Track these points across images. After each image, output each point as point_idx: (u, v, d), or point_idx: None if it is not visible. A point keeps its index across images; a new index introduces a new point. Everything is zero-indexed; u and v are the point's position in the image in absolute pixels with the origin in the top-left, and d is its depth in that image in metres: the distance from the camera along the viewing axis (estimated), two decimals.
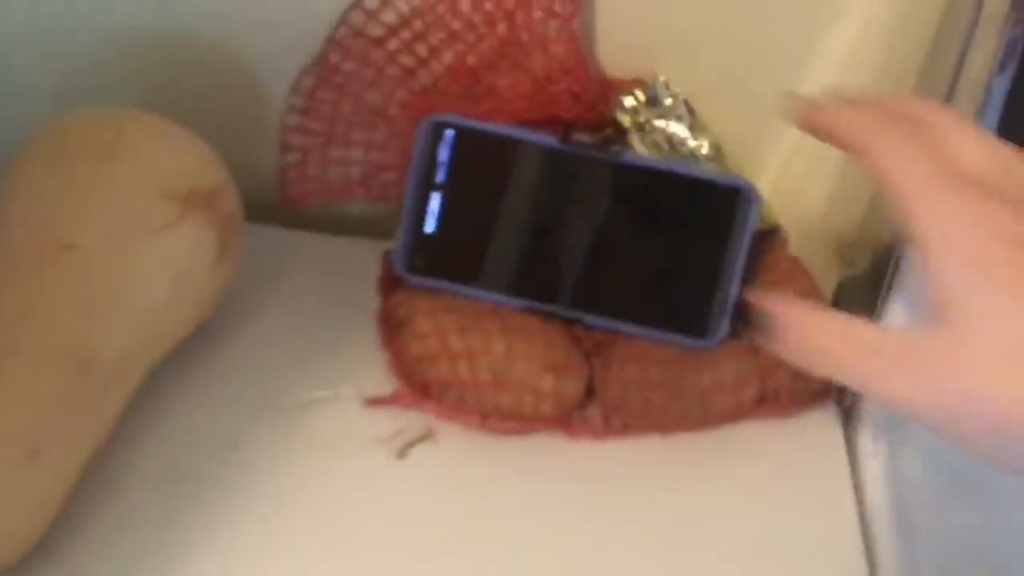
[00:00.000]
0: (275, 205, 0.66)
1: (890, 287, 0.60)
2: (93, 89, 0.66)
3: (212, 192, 0.56)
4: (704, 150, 0.63)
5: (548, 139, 0.57)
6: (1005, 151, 0.35)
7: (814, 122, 0.40)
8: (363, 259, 0.66)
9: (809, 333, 0.36)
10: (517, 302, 0.59)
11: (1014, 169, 0.34)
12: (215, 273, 0.57)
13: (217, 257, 0.56)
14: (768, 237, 0.64)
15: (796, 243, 0.66)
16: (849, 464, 0.60)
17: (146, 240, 0.53)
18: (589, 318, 0.59)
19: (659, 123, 0.63)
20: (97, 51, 0.66)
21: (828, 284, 0.68)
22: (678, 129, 0.63)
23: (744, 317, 0.48)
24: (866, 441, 0.61)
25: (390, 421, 0.59)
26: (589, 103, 0.59)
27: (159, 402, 0.57)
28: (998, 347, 0.30)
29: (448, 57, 0.61)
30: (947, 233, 0.32)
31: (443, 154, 0.58)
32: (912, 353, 0.33)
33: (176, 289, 0.54)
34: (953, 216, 0.32)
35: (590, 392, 0.59)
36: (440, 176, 0.58)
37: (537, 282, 0.59)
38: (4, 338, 0.48)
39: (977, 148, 0.34)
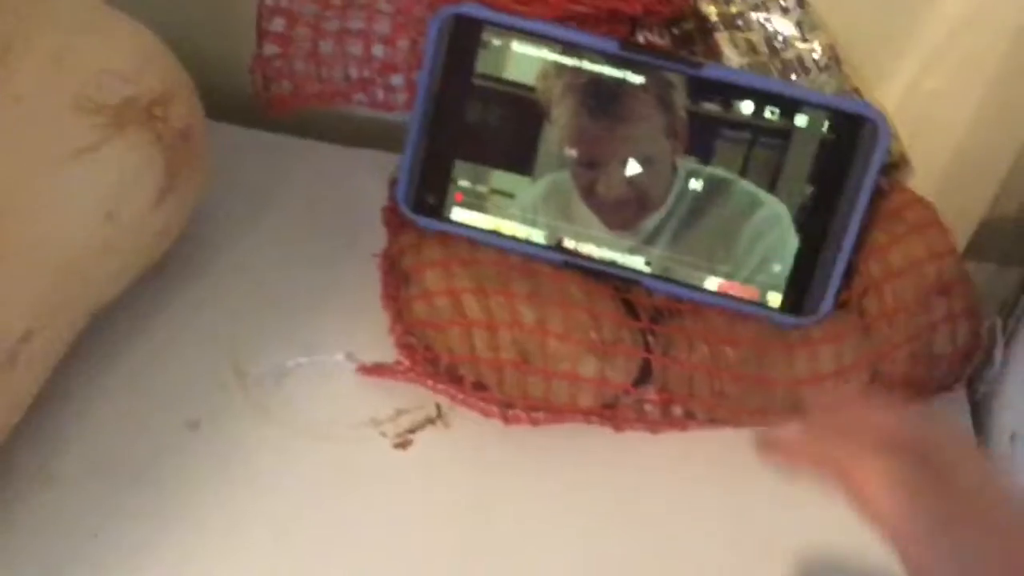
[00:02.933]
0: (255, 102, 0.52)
1: None
2: None
3: (157, 100, 0.43)
4: (815, 55, 0.47)
5: (605, 43, 0.42)
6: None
7: (783, 456, 0.36)
8: (370, 178, 0.53)
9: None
10: (555, 256, 0.45)
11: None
12: (162, 208, 0.44)
13: (165, 187, 0.43)
14: (891, 172, 0.49)
15: (925, 179, 0.51)
16: None
17: (58, 170, 0.40)
18: (649, 281, 0.45)
19: (757, 16, 0.47)
20: None
21: (966, 231, 0.53)
22: (782, 25, 0.47)
23: None
24: (1002, 436, 0.47)
25: (390, 398, 0.47)
26: None
27: (91, 375, 0.45)
28: None
29: None
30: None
31: (464, 58, 0.43)
32: None
33: (107, 232, 0.42)
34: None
35: (644, 373, 0.46)
36: (459, 86, 0.44)
37: (583, 232, 0.44)
38: None
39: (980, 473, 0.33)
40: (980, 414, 0.49)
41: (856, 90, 0.48)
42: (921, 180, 0.52)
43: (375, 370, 0.47)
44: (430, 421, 0.47)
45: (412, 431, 0.46)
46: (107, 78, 0.41)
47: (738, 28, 0.47)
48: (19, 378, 0.40)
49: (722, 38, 0.47)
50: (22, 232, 0.39)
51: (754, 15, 0.47)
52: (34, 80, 0.39)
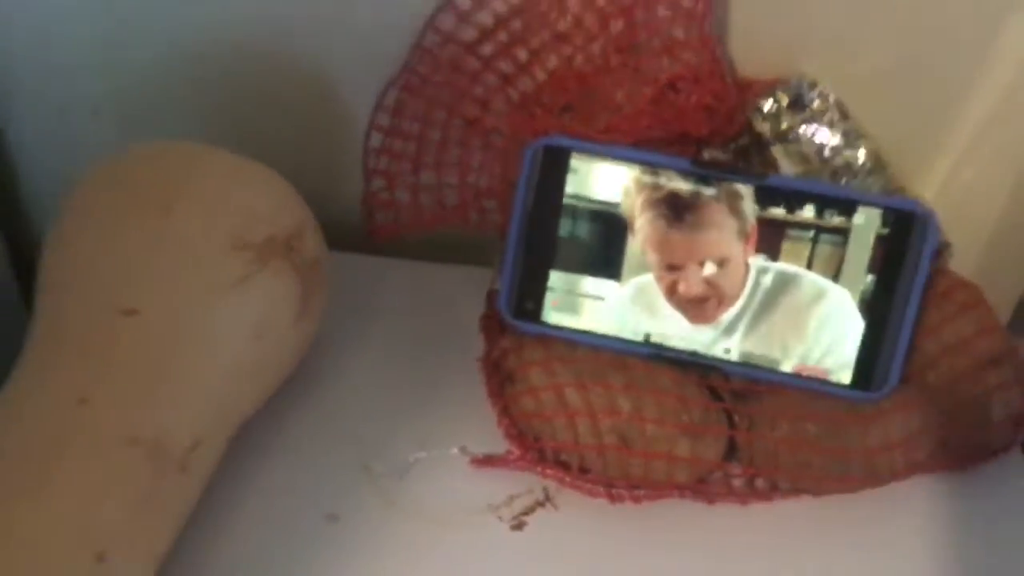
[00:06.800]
0: (360, 230, 0.59)
1: None
2: (159, 111, 0.60)
3: (293, 236, 0.49)
4: (861, 160, 0.53)
5: (678, 161, 0.48)
6: None
7: None
8: (463, 290, 0.59)
9: None
10: (644, 350, 0.50)
11: None
12: (299, 327, 0.50)
13: (301, 309, 0.49)
14: (935, 257, 0.54)
15: (964, 262, 0.57)
16: None
17: (218, 299, 0.46)
18: (730, 368, 0.50)
19: (806, 130, 0.53)
20: (164, 69, 0.59)
21: (1007, 307, 0.58)
22: (828, 137, 0.53)
23: None
24: None
25: (502, 485, 0.52)
26: (726, 116, 0.49)
27: (241, 477, 0.50)
28: None
29: (552, 61, 0.53)
30: None
31: (554, 181, 0.50)
32: None
33: (257, 351, 0.48)
34: None
35: (731, 450, 0.51)
36: (551, 206, 0.50)
37: (668, 327, 0.50)
38: (61, 425, 0.42)
39: None
40: None
41: (902, 188, 0.53)
42: (961, 262, 0.58)
43: (487, 461, 0.52)
44: (540, 504, 0.52)
45: (525, 514, 0.51)
46: (253, 220, 0.48)
47: (790, 142, 0.53)
48: (189, 482, 0.45)
49: (776, 151, 0.53)
50: (194, 355, 0.45)
51: (803, 129, 0.53)
52: (196, 226, 0.46)
